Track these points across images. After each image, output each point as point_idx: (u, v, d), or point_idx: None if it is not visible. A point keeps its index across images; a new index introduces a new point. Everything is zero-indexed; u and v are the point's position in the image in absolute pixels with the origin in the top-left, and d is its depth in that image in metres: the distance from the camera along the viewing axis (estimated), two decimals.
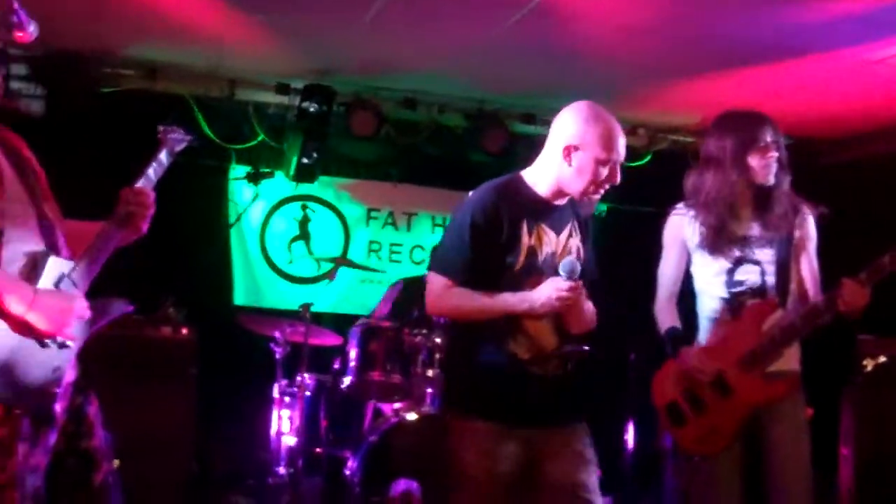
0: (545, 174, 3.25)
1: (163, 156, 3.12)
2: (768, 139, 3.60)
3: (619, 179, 3.20)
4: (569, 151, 3.16)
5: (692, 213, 3.73)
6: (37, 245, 2.63)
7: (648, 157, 7.17)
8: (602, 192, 3.23)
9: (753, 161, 3.59)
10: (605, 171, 3.16)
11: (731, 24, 5.00)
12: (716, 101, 5.35)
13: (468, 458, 3.13)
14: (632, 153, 7.10)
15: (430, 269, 3.30)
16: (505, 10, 4.94)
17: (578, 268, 3.10)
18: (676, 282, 3.83)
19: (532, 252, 3.18)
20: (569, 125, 3.19)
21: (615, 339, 6.28)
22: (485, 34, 5.30)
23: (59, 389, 2.63)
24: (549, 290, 3.08)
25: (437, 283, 3.20)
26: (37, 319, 2.52)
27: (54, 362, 2.64)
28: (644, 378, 3.99)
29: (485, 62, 5.87)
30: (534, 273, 3.16)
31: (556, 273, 3.11)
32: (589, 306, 3.27)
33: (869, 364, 5.53)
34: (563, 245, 3.25)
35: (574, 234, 3.30)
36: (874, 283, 3.38)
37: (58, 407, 2.66)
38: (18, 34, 2.44)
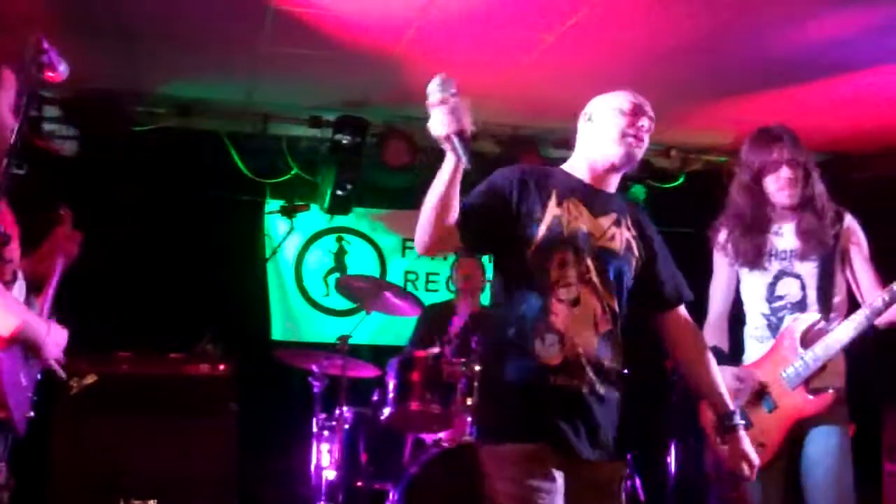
0: (578, 157, 3.12)
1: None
2: (784, 158, 3.57)
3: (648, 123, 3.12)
4: (586, 118, 3.11)
5: (729, 229, 3.72)
6: (24, 284, 2.91)
7: (682, 178, 7.12)
8: (642, 140, 3.10)
9: (769, 184, 3.60)
10: (629, 118, 3.05)
11: (763, 43, 4.97)
12: (748, 120, 5.30)
13: (501, 489, 2.78)
14: (665, 174, 7.11)
15: None
16: (537, 34, 4.94)
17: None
18: (726, 299, 3.81)
19: (558, 222, 2.89)
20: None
21: (656, 361, 6.24)
22: (517, 59, 5.30)
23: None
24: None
25: None
26: (49, 345, 2.87)
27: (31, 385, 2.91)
28: (686, 400, 3.94)
29: (518, 87, 5.87)
30: (559, 246, 2.87)
31: (588, 254, 2.89)
32: None
33: None
34: (605, 230, 2.96)
35: (625, 226, 3.03)
36: None
37: None
38: (49, 74, 2.47)
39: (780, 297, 3.64)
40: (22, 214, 2.87)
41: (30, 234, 3.08)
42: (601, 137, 3.02)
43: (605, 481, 2.89)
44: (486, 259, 6.58)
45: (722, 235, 3.79)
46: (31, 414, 2.87)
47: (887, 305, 3.36)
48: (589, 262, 2.87)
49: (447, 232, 2.77)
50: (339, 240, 7.24)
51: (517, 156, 6.63)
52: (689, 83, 5.69)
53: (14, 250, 2.74)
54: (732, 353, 3.77)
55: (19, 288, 2.83)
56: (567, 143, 6.85)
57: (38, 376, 2.95)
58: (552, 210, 2.90)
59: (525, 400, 2.80)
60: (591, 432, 2.82)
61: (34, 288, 3.03)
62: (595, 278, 2.88)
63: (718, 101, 6.01)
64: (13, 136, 2.34)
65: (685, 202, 5.85)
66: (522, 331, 2.83)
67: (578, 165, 3.08)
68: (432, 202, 2.76)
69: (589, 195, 3.00)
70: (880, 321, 3.44)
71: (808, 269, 3.61)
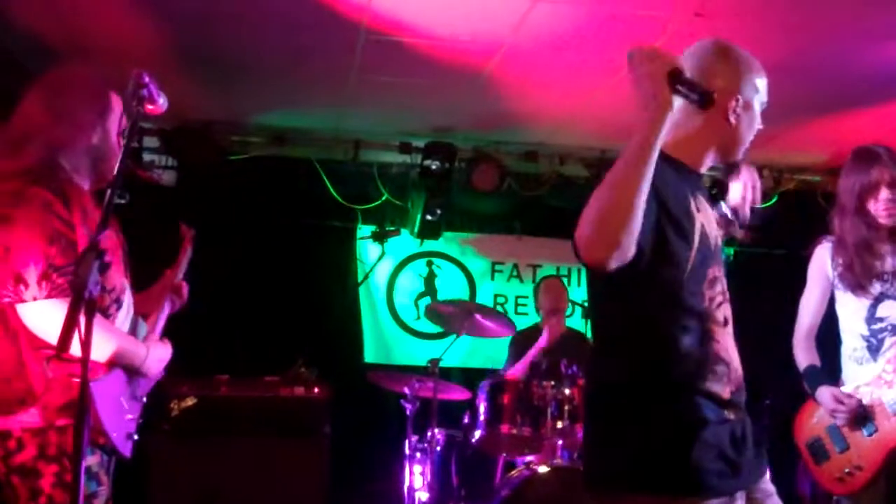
0: (693, 139, 2.50)
1: (189, 249, 3.52)
2: (884, 179, 3.50)
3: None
4: (734, 106, 2.51)
5: (832, 250, 3.67)
6: (131, 309, 2.98)
7: (775, 199, 7.01)
8: None
9: (871, 206, 3.53)
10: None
11: (855, 61, 4.89)
12: (843, 139, 5.26)
13: None
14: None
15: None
16: (624, 56, 4.93)
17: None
18: (817, 315, 3.75)
19: (703, 232, 2.39)
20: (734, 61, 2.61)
21: (750, 384, 6.14)
22: (604, 80, 5.31)
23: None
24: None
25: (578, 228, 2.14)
26: (149, 368, 2.95)
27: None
28: (781, 423, 3.89)
29: (604, 110, 5.87)
30: (710, 261, 2.40)
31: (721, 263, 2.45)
32: None
33: None
34: (715, 225, 2.51)
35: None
36: None
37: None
38: (149, 107, 2.56)
39: (881, 320, 3.57)
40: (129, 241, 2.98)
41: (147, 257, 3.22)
42: (743, 129, 2.53)
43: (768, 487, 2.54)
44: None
45: (823, 256, 3.73)
46: (136, 437, 2.93)
47: None
48: (722, 269, 2.46)
49: (632, 236, 2.09)
50: (430, 264, 7.31)
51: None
52: (781, 102, 5.52)
53: (113, 277, 2.80)
54: (828, 373, 3.70)
55: (126, 314, 2.90)
56: None
57: (144, 399, 3.03)
58: (696, 217, 2.38)
59: (705, 446, 2.30)
60: (753, 458, 2.45)
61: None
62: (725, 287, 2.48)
63: (811, 120, 5.92)
64: (118, 165, 2.43)
65: (778, 222, 5.74)
66: (689, 368, 2.33)
67: (687, 153, 2.50)
68: (627, 192, 2.09)
69: (701, 186, 2.53)
70: None
71: None
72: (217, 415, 5.32)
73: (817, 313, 3.76)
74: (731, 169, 2.65)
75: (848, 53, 4.81)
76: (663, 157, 2.31)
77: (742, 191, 2.69)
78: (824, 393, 3.59)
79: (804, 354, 3.73)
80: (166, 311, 3.26)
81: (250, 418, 5.40)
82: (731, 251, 7.11)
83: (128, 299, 2.92)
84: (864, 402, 3.54)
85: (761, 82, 2.59)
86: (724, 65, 2.55)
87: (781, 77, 5.08)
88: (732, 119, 2.47)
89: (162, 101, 2.59)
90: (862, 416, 3.52)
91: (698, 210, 2.39)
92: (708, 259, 2.37)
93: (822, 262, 3.73)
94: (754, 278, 6.50)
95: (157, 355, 2.98)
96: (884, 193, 3.51)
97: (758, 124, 2.57)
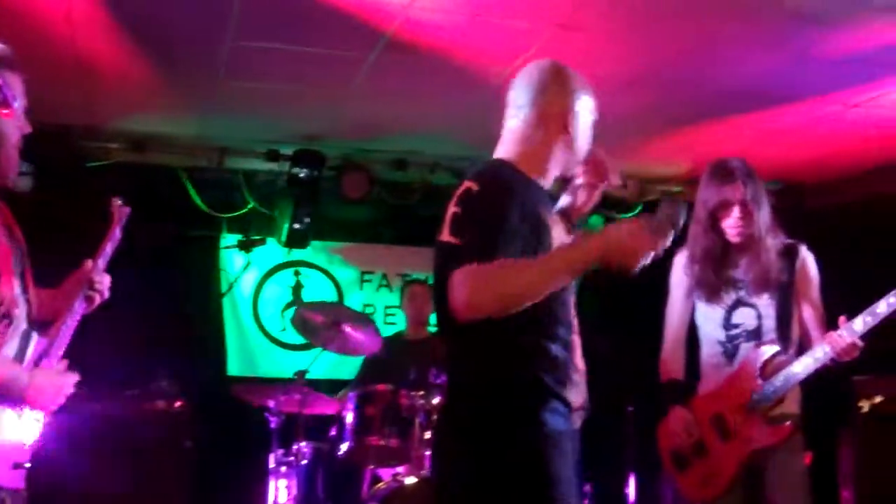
0: (535, 157, 2.65)
1: (117, 231, 3.12)
2: (736, 198, 3.59)
3: None
4: (567, 119, 2.70)
5: (688, 259, 3.75)
6: (23, 322, 2.66)
7: (639, 208, 7.17)
8: None
9: (724, 222, 3.63)
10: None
11: (716, 73, 5.02)
12: (703, 150, 5.41)
13: None
14: (622, 205, 7.16)
15: (456, 265, 2.34)
16: (494, 68, 4.97)
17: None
18: (682, 325, 3.83)
19: (560, 244, 2.56)
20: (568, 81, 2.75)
21: (613, 391, 6.25)
22: (474, 93, 5.32)
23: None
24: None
25: (470, 275, 2.29)
26: (33, 399, 2.57)
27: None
28: (643, 430, 3.95)
29: (475, 121, 5.87)
30: None
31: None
32: None
33: (865, 405, 5.49)
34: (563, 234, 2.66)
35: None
36: (866, 333, 3.36)
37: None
38: (4, 111, 2.42)
39: (736, 326, 3.67)
40: None
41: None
42: (575, 148, 2.73)
43: None
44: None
45: (681, 265, 3.82)
46: (27, 464, 2.57)
47: (847, 343, 3.39)
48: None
49: None
50: (297, 273, 7.21)
51: None
52: (645, 114, 5.74)
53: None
54: (688, 379, 3.78)
55: (14, 330, 2.61)
56: None
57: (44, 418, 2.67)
58: (552, 230, 2.53)
59: (563, 455, 2.39)
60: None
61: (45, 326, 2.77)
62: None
63: (674, 132, 6.07)
64: None
65: None
66: (558, 375, 2.44)
67: (534, 166, 2.64)
68: (536, 294, 2.32)
69: (548, 200, 2.70)
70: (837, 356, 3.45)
71: (764, 300, 3.64)
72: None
73: (683, 323, 3.83)
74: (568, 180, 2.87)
75: (708, 66, 4.93)
76: (518, 171, 2.55)
77: (589, 177, 3.02)
78: (677, 414, 3.67)
79: (668, 366, 3.80)
80: (78, 311, 2.88)
81: (108, 434, 5.21)
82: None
83: (21, 311, 2.65)
84: (721, 408, 3.61)
85: (590, 100, 2.80)
86: (558, 85, 2.71)
87: (645, 89, 5.24)
88: (570, 135, 2.66)
89: (17, 105, 2.45)
90: (719, 422, 3.60)
91: (552, 223, 2.53)
92: None
93: (680, 272, 3.82)
94: (623, 285, 6.62)
95: (44, 384, 2.59)
96: (735, 212, 3.61)
97: (590, 139, 2.76)
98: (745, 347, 3.64)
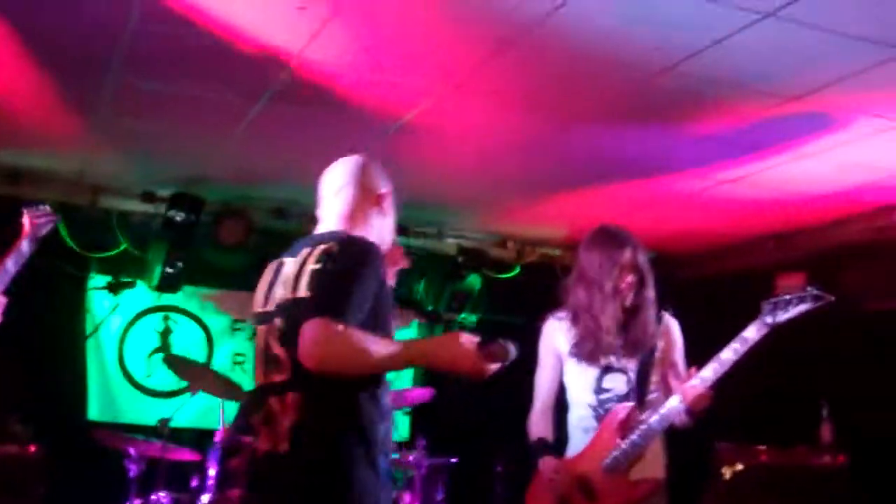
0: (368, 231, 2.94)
1: (24, 245, 2.86)
2: (628, 262, 3.69)
3: None
4: (380, 199, 3.00)
5: (566, 322, 3.78)
6: None
7: (517, 270, 7.27)
8: None
9: (608, 286, 3.69)
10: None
11: (598, 144, 5.17)
12: (583, 216, 5.53)
13: None
14: (501, 265, 7.26)
15: (312, 315, 2.51)
16: (378, 124, 4.99)
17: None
18: (552, 390, 3.85)
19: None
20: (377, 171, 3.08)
21: (481, 450, 6.27)
22: (357, 147, 5.31)
23: None
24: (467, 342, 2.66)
25: (325, 327, 2.48)
26: None
27: None
28: (511, 489, 3.96)
29: None
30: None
31: None
32: None
33: (727, 472, 5.63)
34: None
35: None
36: (716, 381, 3.47)
37: None
38: None
39: (608, 390, 3.71)
40: None
41: None
42: (388, 227, 3.04)
43: None
44: None
45: (553, 329, 3.85)
46: None
47: (697, 391, 3.48)
48: None
49: None
50: (166, 318, 7.03)
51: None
52: (529, 179, 5.85)
53: None
54: (557, 443, 3.80)
55: None
56: (405, 231, 6.96)
57: None
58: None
59: (387, 491, 2.70)
60: None
61: None
62: None
63: (555, 197, 6.20)
64: None
65: (520, 293, 5.96)
66: (388, 424, 2.73)
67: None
68: (384, 362, 2.57)
69: None
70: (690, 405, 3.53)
71: (633, 365, 3.70)
72: None
73: (552, 388, 3.86)
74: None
75: (590, 138, 5.07)
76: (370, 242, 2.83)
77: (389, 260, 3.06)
78: (545, 464, 3.70)
79: (537, 428, 3.82)
80: None
81: None
82: (473, 319, 7.33)
83: None
84: (585, 470, 3.64)
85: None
86: (375, 170, 3.07)
87: (531, 155, 5.34)
88: (387, 213, 3.02)
89: None
90: (583, 484, 3.63)
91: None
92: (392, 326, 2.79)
93: (552, 336, 3.85)
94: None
95: None
96: (629, 277, 3.69)
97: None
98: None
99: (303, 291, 2.65)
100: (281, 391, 2.66)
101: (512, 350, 2.69)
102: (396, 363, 2.61)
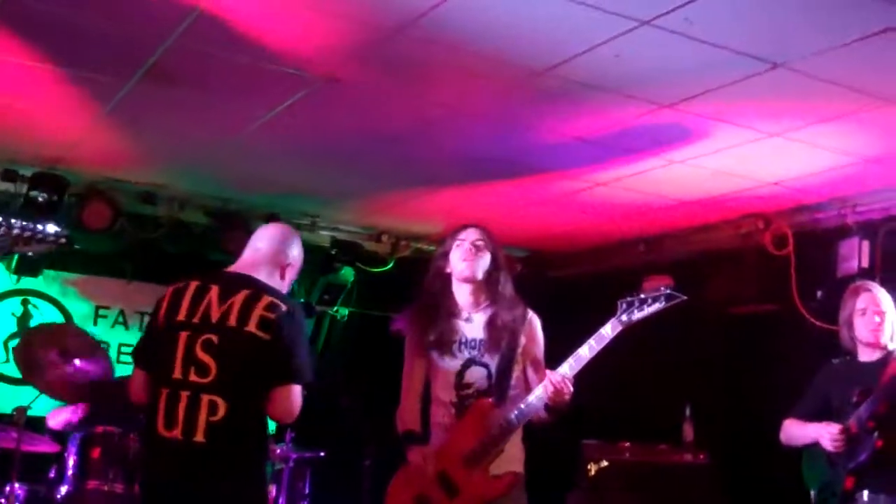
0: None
1: None
2: (469, 238, 3.75)
3: None
4: (285, 268, 3.50)
5: (425, 316, 3.80)
6: None
7: (392, 264, 7.25)
8: None
9: (452, 259, 3.74)
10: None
11: (475, 140, 5.18)
12: (458, 213, 5.53)
13: None
14: (375, 259, 7.22)
15: (297, 381, 3.27)
16: (254, 110, 4.90)
17: None
18: (419, 386, 3.86)
19: None
20: (294, 245, 3.56)
21: (351, 445, 6.24)
22: (233, 132, 5.22)
23: None
24: None
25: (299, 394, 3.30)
26: None
27: None
28: (378, 483, 3.95)
29: (231, 160, 5.78)
30: None
31: None
32: None
33: (592, 468, 5.74)
34: None
35: None
36: (576, 374, 3.54)
37: None
38: None
39: (469, 385, 3.74)
40: None
41: None
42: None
43: None
44: None
45: (412, 321, 3.86)
46: None
47: (556, 384, 3.53)
48: None
49: None
50: (25, 303, 6.78)
51: (225, 228, 6.50)
52: (401, 171, 5.83)
53: None
54: (424, 437, 3.81)
55: None
56: (276, 220, 6.88)
57: None
58: None
59: None
60: None
61: None
62: None
63: (430, 192, 6.20)
64: None
65: (394, 287, 5.93)
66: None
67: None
68: None
69: None
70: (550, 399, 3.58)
71: (495, 360, 3.74)
72: None
73: (418, 383, 3.87)
74: None
75: (466, 133, 5.08)
76: None
77: None
78: (414, 453, 3.70)
79: (404, 420, 3.82)
80: None
81: None
82: (345, 312, 7.29)
83: None
84: (445, 464, 3.66)
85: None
86: (292, 242, 3.56)
87: (406, 146, 5.32)
88: (287, 280, 3.53)
89: None
90: (444, 477, 3.64)
91: None
92: None
93: (417, 330, 3.87)
94: (368, 340, 6.67)
95: None
96: (466, 245, 3.75)
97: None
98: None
99: (253, 327, 3.20)
100: (200, 391, 3.16)
101: None
102: None
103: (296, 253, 3.53)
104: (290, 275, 3.52)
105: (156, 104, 4.94)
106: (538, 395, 3.57)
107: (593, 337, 3.56)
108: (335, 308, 7.35)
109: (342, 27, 3.89)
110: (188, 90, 4.72)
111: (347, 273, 7.22)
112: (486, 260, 3.77)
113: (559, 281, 7.46)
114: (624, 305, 3.56)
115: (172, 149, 5.72)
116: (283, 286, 3.47)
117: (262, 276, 3.39)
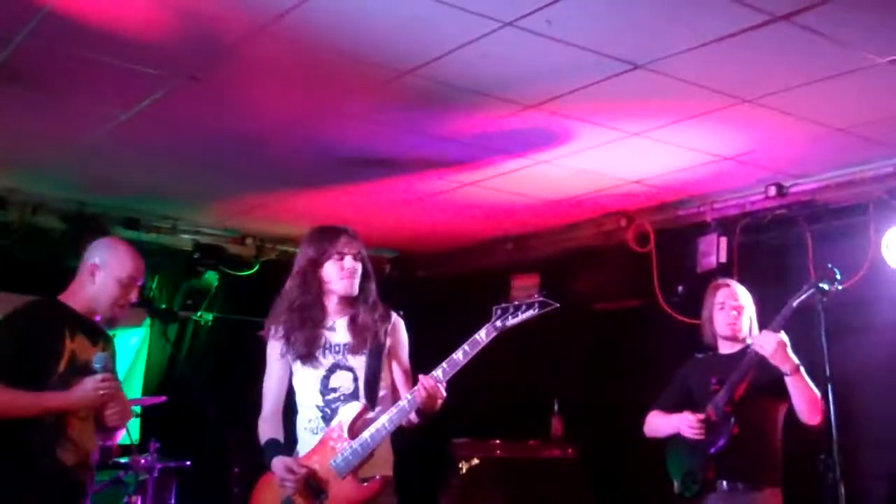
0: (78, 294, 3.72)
1: None
2: (343, 251, 3.70)
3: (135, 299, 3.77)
4: (92, 270, 3.69)
5: (285, 323, 3.73)
6: None
7: (256, 267, 7.13)
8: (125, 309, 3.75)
9: (329, 273, 3.69)
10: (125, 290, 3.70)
11: (339, 140, 5.13)
12: (324, 214, 5.47)
13: None
14: (239, 262, 7.08)
15: None
16: (110, 110, 4.74)
17: (112, 363, 3.59)
18: (280, 394, 3.79)
19: (73, 356, 3.57)
20: (97, 250, 3.76)
21: (218, 453, 6.10)
22: (88, 132, 5.04)
23: None
24: (87, 385, 3.48)
25: None
26: None
27: None
28: (248, 491, 3.86)
29: (87, 162, 5.58)
30: (77, 375, 3.53)
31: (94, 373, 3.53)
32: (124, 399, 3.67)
33: (464, 466, 5.78)
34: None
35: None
36: (448, 378, 3.54)
37: None
38: None
39: (335, 390, 3.70)
40: None
41: None
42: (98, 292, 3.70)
43: None
44: None
45: (274, 328, 3.79)
46: None
47: (427, 389, 3.53)
48: None
49: None
50: None
51: (84, 233, 6.25)
52: (265, 172, 5.73)
53: None
54: (287, 445, 3.75)
55: None
56: (136, 224, 6.67)
57: None
58: (67, 346, 3.59)
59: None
60: None
61: None
62: None
63: (295, 193, 6.11)
64: None
65: (259, 291, 5.82)
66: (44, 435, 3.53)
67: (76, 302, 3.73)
68: (21, 410, 3.44)
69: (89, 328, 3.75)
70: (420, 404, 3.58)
71: (360, 363, 3.71)
72: None
73: (281, 392, 3.81)
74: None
75: (330, 132, 5.02)
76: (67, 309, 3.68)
77: None
78: (277, 463, 3.65)
79: (265, 430, 3.75)
80: None
81: None
82: (209, 317, 7.12)
83: None
84: (314, 469, 3.61)
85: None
86: (104, 249, 3.78)
87: (267, 147, 5.23)
88: (98, 283, 3.70)
89: None
90: (313, 484, 3.60)
91: (72, 340, 3.60)
92: (78, 372, 3.54)
93: (276, 335, 3.80)
94: (231, 346, 6.52)
95: None
96: (349, 262, 3.68)
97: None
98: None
99: None
100: None
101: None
102: (31, 410, 3.42)
103: (90, 252, 3.75)
104: (98, 276, 3.68)
105: (5, 104, 4.74)
106: (409, 398, 3.56)
107: (468, 342, 3.57)
108: (199, 314, 7.17)
109: (200, 26, 3.79)
110: (39, 90, 4.54)
111: (211, 277, 7.06)
112: (360, 272, 3.74)
113: (428, 281, 7.47)
114: (499, 311, 3.60)
115: (24, 150, 5.49)
116: (88, 291, 3.68)
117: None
